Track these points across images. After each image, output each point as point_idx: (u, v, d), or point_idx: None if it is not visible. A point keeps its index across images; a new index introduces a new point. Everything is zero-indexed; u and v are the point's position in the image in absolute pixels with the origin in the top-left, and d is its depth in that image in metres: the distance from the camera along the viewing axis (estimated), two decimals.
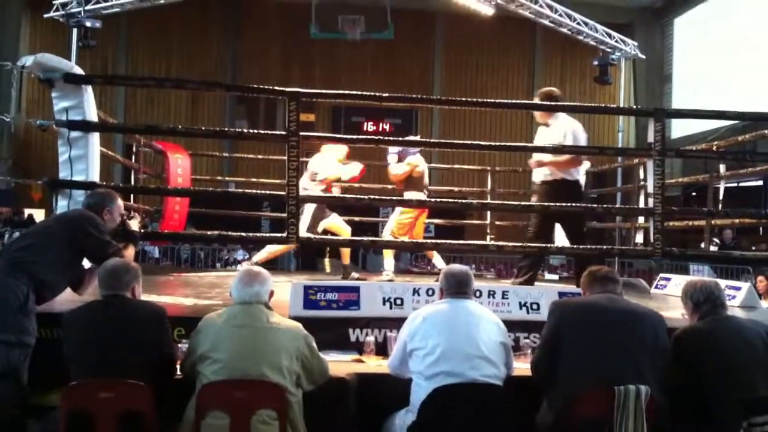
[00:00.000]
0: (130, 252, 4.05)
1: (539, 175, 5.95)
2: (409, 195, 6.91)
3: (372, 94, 5.50)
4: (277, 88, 5.31)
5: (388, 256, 7.18)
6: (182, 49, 16.72)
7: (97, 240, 3.82)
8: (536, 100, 5.91)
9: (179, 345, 3.63)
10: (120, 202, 4.12)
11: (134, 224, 4.40)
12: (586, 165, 6.14)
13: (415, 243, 6.61)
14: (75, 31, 12.57)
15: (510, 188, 10.70)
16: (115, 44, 16.28)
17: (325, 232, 6.99)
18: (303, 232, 6.51)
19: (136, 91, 16.29)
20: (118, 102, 16.25)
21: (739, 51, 14.41)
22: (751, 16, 14.09)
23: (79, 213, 4.02)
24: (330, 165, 6.92)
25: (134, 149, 8.35)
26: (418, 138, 6.29)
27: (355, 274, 7.04)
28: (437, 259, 7.23)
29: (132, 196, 8.29)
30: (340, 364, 3.77)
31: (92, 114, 5.24)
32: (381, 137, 13.15)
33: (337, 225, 7.09)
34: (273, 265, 9.13)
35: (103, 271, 3.43)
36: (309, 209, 6.79)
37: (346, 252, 7.37)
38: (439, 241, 5.93)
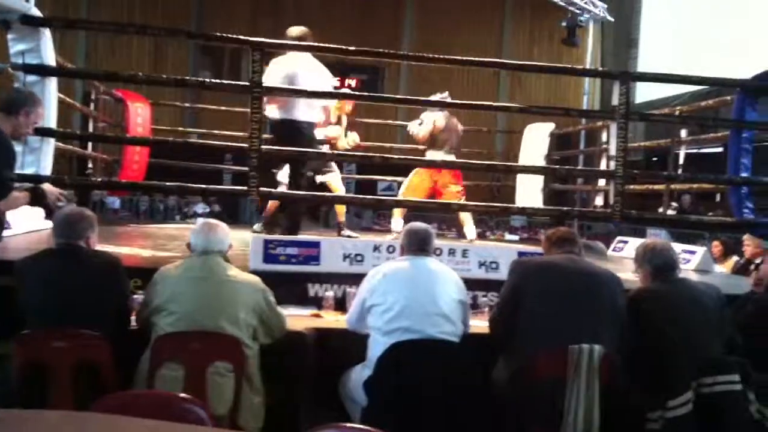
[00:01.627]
0: (18, 197, 3.68)
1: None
2: (430, 155, 6.93)
3: (338, 47, 5.41)
4: (241, 37, 5.19)
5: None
6: None
7: None
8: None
9: (135, 296, 3.57)
10: (42, 110, 3.77)
11: (46, 186, 4.01)
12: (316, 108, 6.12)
13: (377, 199, 6.58)
14: None
15: (474, 148, 10.70)
16: None
17: (323, 185, 6.95)
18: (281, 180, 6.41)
19: (98, 40, 15.86)
20: (79, 50, 15.81)
21: (704, 19, 14.48)
22: None
23: None
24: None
25: (93, 97, 8.14)
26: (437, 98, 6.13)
27: (348, 232, 7.01)
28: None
29: (90, 144, 8.12)
30: (298, 318, 3.76)
31: (50, 58, 5.07)
32: (348, 92, 13.00)
33: (334, 183, 7.00)
34: (235, 219, 9.07)
35: (57, 219, 3.34)
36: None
37: (341, 209, 7.29)
38: (401, 198, 5.92)
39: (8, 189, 3.50)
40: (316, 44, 5.57)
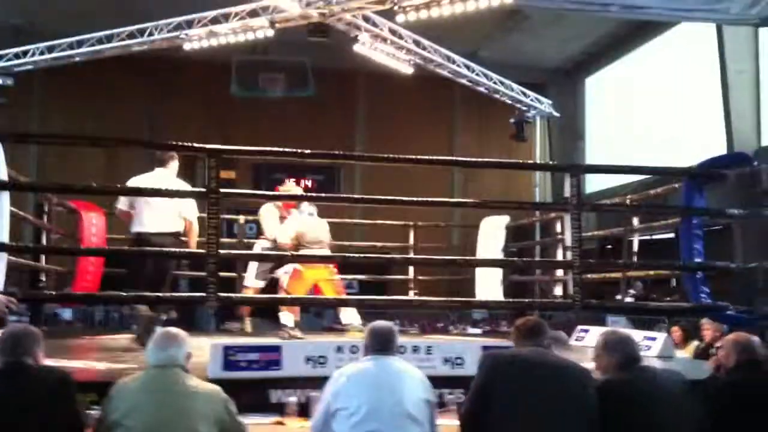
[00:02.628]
0: None
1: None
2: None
3: (293, 150, 5.48)
4: (196, 144, 5.24)
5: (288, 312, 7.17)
6: (97, 107, 16.32)
7: None
8: None
9: (91, 412, 3.44)
10: None
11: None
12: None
13: (338, 299, 6.54)
14: None
15: (431, 242, 10.77)
16: (28, 102, 15.82)
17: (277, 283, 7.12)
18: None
19: (48, 150, 15.82)
20: (30, 160, 15.73)
21: (646, 108, 15.07)
22: (658, 77, 14.80)
23: None
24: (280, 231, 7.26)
25: (46, 208, 8.06)
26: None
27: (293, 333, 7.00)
28: (347, 314, 7.27)
29: (43, 257, 7.98)
30: (260, 427, 3.65)
31: (2, 173, 5.04)
32: (304, 194, 13.09)
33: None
34: (191, 325, 8.88)
35: (2, 337, 3.23)
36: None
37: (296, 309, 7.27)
38: (362, 297, 5.90)
39: None
40: (272, 149, 5.64)
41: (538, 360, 3.33)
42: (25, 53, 12.17)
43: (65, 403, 3.14)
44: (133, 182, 6.32)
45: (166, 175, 6.33)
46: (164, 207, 6.11)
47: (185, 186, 6.25)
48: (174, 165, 6.41)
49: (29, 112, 16.00)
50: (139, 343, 6.08)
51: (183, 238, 6.24)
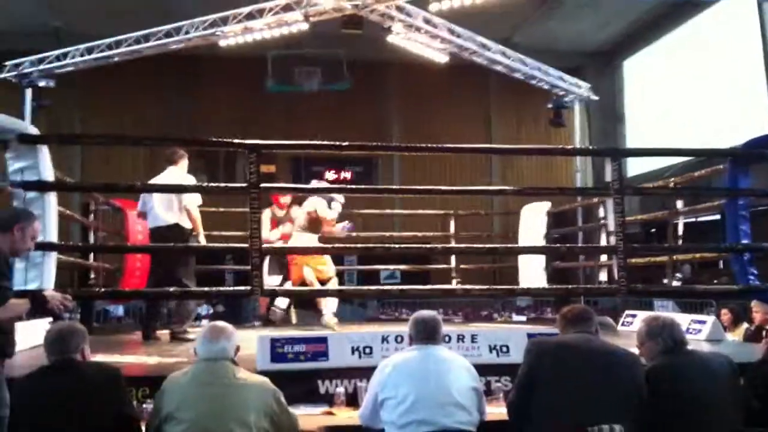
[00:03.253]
0: (17, 305, 3.70)
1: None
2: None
3: (330, 143, 5.51)
4: (236, 140, 5.29)
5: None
6: (137, 106, 16.58)
7: None
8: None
9: (143, 406, 3.52)
10: (37, 225, 3.72)
11: (49, 292, 3.99)
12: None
13: (378, 290, 6.56)
14: (29, 91, 12.46)
15: (472, 231, 10.74)
16: (69, 103, 16.10)
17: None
18: (270, 284, 6.56)
19: (92, 150, 16.11)
20: (75, 161, 16.03)
21: (686, 89, 14.81)
22: (698, 56, 14.53)
23: None
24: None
25: (92, 208, 8.22)
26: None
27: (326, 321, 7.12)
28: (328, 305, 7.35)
29: (92, 254, 8.14)
30: (310, 417, 3.68)
31: (48, 174, 5.15)
32: (341, 185, 13.16)
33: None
34: (237, 319, 9.02)
35: (48, 336, 3.29)
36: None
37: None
38: (404, 287, 5.92)
39: (4, 297, 3.47)
40: (310, 142, 5.68)
41: (584, 346, 3.31)
42: (65, 55, 12.39)
43: (114, 397, 3.20)
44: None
45: (177, 173, 6.55)
46: (167, 200, 6.40)
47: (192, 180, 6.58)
48: (184, 163, 6.66)
49: (70, 113, 16.30)
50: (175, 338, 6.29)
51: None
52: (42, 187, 5.03)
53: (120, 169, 16.02)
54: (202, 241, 6.49)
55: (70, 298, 3.69)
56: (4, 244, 3.50)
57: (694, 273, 9.77)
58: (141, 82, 16.21)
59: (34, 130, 5.18)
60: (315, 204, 7.34)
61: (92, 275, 8.20)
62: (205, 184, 6.97)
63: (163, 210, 6.37)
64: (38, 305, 3.68)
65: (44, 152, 5.12)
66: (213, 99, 17.02)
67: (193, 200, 6.41)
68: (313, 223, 7.35)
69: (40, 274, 5.00)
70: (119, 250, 8.03)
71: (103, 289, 6.83)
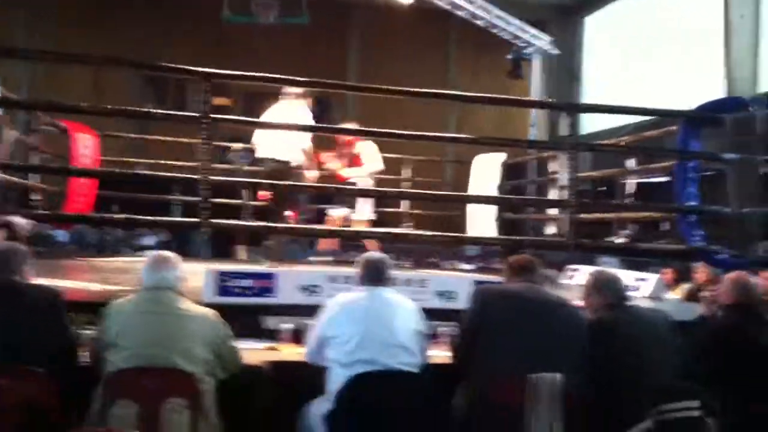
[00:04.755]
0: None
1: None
2: None
3: (287, 77, 5.39)
4: (189, 67, 5.12)
5: None
6: (88, 30, 16.01)
7: None
8: None
9: (84, 332, 3.45)
10: (12, 131, 3.69)
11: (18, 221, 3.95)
12: None
13: (332, 230, 6.54)
14: None
15: (425, 177, 10.73)
16: (17, 17, 15.51)
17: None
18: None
19: (37, 71, 15.56)
20: (21, 81, 15.49)
21: (646, 51, 14.89)
22: (659, 19, 14.59)
23: None
24: None
25: (33, 126, 7.93)
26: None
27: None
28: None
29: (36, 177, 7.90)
30: (254, 352, 3.68)
31: None
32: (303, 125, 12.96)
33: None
34: (186, 250, 8.91)
35: None
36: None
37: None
38: (357, 229, 5.89)
39: None
40: (263, 75, 5.52)
41: (529, 295, 3.36)
42: None
43: (54, 320, 3.14)
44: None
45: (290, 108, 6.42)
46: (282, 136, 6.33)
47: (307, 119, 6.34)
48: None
49: (18, 30, 15.68)
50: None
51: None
52: None
53: (65, 92, 15.53)
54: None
55: (33, 224, 3.61)
56: None
57: (639, 232, 9.97)
58: (93, 5, 15.66)
59: None
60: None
61: (36, 197, 7.94)
62: (157, 110, 6.74)
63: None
64: (10, 235, 3.61)
65: None
66: (168, 26, 16.53)
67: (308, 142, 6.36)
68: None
69: None
70: (64, 172, 7.77)
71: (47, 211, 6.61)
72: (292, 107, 6.35)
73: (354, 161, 7.39)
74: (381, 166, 7.36)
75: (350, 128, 6.40)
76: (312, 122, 6.34)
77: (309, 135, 6.35)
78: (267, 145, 6.38)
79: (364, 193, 6.73)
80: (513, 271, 3.54)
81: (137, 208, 6.29)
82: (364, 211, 7.27)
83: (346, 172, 7.32)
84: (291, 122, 6.08)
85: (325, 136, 7.64)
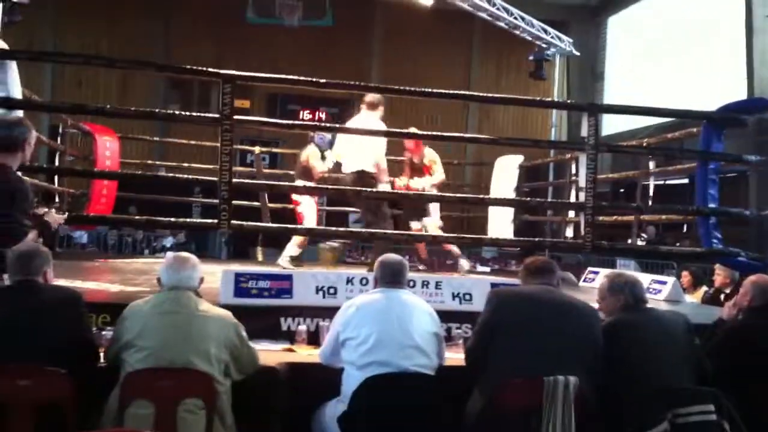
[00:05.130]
0: (32, 235, 3.76)
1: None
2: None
3: (308, 79, 5.41)
4: (211, 69, 5.17)
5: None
6: (112, 29, 16.13)
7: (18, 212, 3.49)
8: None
9: (104, 332, 3.50)
10: (33, 131, 3.73)
11: (51, 215, 4.03)
12: None
13: (350, 232, 6.56)
14: (0, 5, 12.07)
15: (446, 179, 10.74)
16: (42, 21, 15.67)
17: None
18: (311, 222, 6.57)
19: (64, 72, 15.73)
20: (45, 82, 15.66)
21: (668, 51, 14.79)
22: (681, 19, 14.48)
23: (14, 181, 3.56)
24: None
25: (60, 130, 8.06)
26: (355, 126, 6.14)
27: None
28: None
29: (57, 178, 8.01)
30: (270, 353, 3.70)
31: (16, 91, 5.02)
32: (317, 123, 13.03)
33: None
34: (204, 252, 8.99)
35: (11, 255, 3.23)
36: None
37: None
38: (374, 230, 5.91)
39: (23, 234, 3.47)
40: (287, 77, 5.57)
41: (544, 297, 3.35)
42: None
43: (73, 321, 3.18)
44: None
45: (370, 118, 6.33)
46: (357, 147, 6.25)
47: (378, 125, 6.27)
48: (380, 110, 6.42)
49: (44, 33, 15.87)
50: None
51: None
52: (9, 104, 4.90)
53: (91, 94, 15.72)
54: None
55: (64, 219, 3.70)
56: (15, 165, 3.46)
57: (659, 234, 9.91)
58: (118, 5, 15.80)
59: (3, 45, 5.03)
60: None
61: (57, 199, 8.07)
62: (176, 112, 6.81)
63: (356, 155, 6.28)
64: (43, 230, 3.68)
65: (13, 68, 4.97)
66: (190, 27, 16.66)
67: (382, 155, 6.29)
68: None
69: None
70: (87, 175, 7.89)
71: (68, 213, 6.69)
72: (369, 118, 6.31)
73: (424, 170, 7.30)
74: (443, 176, 7.28)
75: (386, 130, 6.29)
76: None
77: (383, 145, 6.29)
78: (349, 156, 6.37)
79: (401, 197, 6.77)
80: (529, 273, 3.53)
81: (157, 209, 6.35)
82: (437, 217, 7.27)
83: (414, 183, 7.26)
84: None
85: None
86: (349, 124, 6.40)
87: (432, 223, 7.11)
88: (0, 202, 3.42)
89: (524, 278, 3.57)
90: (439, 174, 7.19)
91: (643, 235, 8.40)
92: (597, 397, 3.19)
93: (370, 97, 6.32)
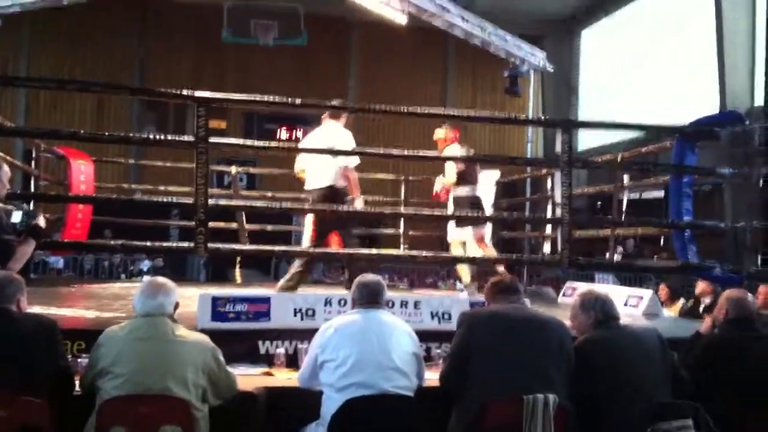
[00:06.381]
0: (27, 248, 3.81)
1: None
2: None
3: (284, 100, 5.41)
4: (185, 92, 5.15)
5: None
6: (86, 52, 16.10)
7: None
8: None
9: (79, 360, 3.46)
10: (5, 167, 3.87)
11: (41, 220, 4.11)
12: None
13: (328, 253, 6.52)
14: None
15: (423, 197, 10.76)
16: (15, 46, 15.60)
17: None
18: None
19: (39, 96, 15.64)
20: (19, 106, 15.58)
21: (641, 64, 14.97)
22: (653, 32, 14.67)
23: None
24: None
25: (34, 155, 7.99)
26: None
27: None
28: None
29: (32, 203, 7.92)
30: (248, 377, 3.67)
31: None
32: (293, 145, 13.03)
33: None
34: (182, 275, 8.92)
35: None
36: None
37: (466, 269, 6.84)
38: (352, 251, 5.89)
39: (13, 248, 3.62)
40: (262, 99, 5.56)
41: (515, 315, 3.37)
42: None
43: (49, 349, 3.14)
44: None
45: (334, 128, 6.10)
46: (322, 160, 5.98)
47: (350, 139, 6.03)
48: (343, 119, 6.19)
49: (18, 57, 15.79)
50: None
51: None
52: None
53: (66, 116, 15.62)
54: (359, 205, 6.02)
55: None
56: None
57: (636, 247, 9.98)
58: (93, 27, 15.76)
59: None
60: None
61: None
62: (151, 136, 6.78)
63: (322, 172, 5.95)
64: (38, 237, 3.76)
65: None
66: (165, 48, 16.64)
67: (351, 161, 6.00)
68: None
69: None
70: (61, 200, 7.82)
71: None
72: (333, 128, 6.09)
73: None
74: (452, 179, 6.91)
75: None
76: (352, 140, 6.01)
77: (353, 155, 6.03)
78: (313, 171, 6.06)
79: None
80: (498, 291, 3.55)
81: (134, 233, 6.29)
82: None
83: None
84: (329, 144, 5.82)
85: None
86: (314, 135, 6.24)
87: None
88: None
89: (491, 296, 3.59)
90: (449, 174, 6.88)
91: (620, 248, 8.45)
92: (575, 414, 3.19)
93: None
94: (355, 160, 6.04)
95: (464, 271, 6.81)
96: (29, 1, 11.79)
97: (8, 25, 12.45)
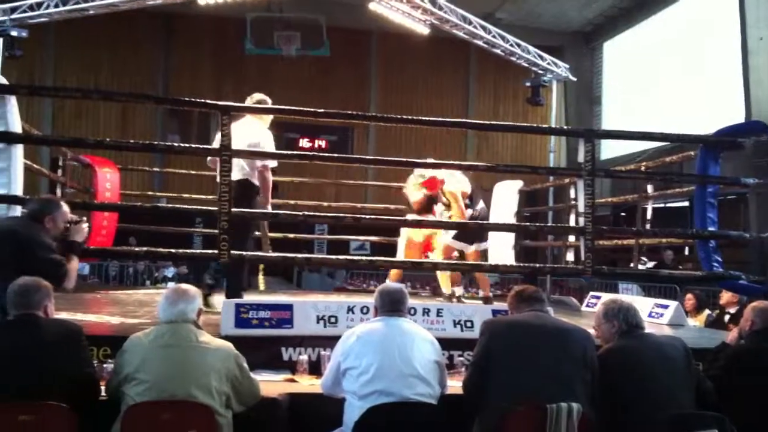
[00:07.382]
0: (74, 264, 3.92)
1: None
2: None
3: (307, 109, 5.45)
4: (209, 101, 5.20)
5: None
6: (111, 61, 16.34)
7: (47, 262, 3.70)
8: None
9: (104, 365, 3.49)
10: (65, 208, 3.97)
11: (78, 232, 4.15)
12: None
13: (349, 260, 6.53)
14: (0, 40, 12.20)
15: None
16: (42, 55, 15.84)
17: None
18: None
19: (64, 104, 15.87)
20: (45, 115, 15.80)
21: (664, 74, 14.89)
22: (677, 43, 14.59)
23: (25, 234, 3.76)
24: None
25: (60, 163, 8.09)
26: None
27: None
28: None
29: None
30: (271, 383, 3.69)
31: (16, 125, 5.03)
32: (316, 153, 13.11)
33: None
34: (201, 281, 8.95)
35: (11, 290, 3.24)
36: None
37: (447, 276, 6.82)
38: (373, 258, 5.91)
39: (63, 269, 3.76)
40: (286, 107, 5.60)
41: (537, 323, 3.36)
42: (39, 5, 12.11)
43: (74, 355, 3.17)
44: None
45: (258, 125, 5.84)
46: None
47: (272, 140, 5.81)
48: (268, 117, 5.96)
49: (44, 66, 16.01)
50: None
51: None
52: (8, 138, 4.92)
53: (91, 125, 15.81)
54: (269, 209, 5.90)
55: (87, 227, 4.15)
56: (38, 230, 3.78)
57: (674, 260, 9.85)
58: (118, 36, 15.96)
59: (3, 80, 5.06)
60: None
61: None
62: (175, 144, 6.84)
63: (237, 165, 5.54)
64: (73, 248, 4.02)
65: (12, 103, 5.00)
66: (190, 58, 16.82)
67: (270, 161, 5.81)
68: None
69: (8, 180, 4.94)
70: (87, 207, 7.88)
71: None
72: (253, 123, 5.79)
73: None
74: (462, 213, 6.61)
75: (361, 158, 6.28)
76: (271, 140, 5.76)
77: (271, 148, 5.72)
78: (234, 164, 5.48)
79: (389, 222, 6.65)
80: (521, 300, 3.54)
81: (158, 240, 6.34)
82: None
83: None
84: (250, 139, 5.52)
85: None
86: (237, 127, 5.56)
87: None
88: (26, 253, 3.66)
89: (514, 306, 3.58)
90: (456, 211, 6.54)
91: (643, 259, 8.37)
92: (598, 423, 3.17)
93: (256, 99, 5.87)
94: (273, 162, 5.87)
95: (446, 280, 6.81)
96: (56, 11, 12.03)
97: (34, 36, 12.69)
